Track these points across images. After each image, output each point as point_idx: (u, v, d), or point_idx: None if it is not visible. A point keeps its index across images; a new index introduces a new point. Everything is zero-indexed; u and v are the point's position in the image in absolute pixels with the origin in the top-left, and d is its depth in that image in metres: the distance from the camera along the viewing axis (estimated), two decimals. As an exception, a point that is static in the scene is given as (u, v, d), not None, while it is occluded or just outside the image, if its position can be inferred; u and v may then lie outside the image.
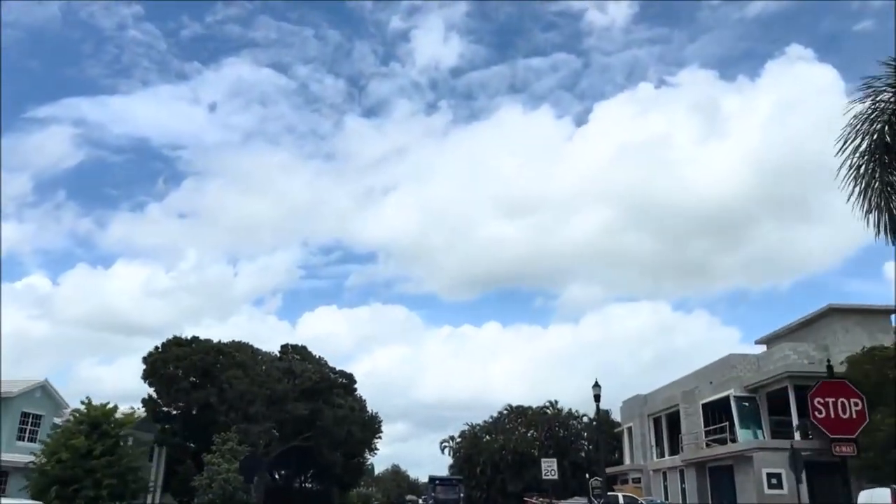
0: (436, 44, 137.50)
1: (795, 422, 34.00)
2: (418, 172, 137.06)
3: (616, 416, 60.24)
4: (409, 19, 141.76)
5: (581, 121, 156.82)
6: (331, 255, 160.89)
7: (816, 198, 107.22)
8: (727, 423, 37.98)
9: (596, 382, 27.29)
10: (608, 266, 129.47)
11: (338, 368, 52.57)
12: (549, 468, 28.37)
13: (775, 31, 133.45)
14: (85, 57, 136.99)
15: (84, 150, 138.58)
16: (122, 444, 29.11)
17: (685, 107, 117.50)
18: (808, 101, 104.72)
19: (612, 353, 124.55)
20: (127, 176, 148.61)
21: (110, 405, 29.98)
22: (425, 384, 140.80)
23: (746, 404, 37.52)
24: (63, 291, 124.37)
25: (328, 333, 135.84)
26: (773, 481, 35.52)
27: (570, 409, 63.67)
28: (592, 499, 29.93)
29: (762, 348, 42.99)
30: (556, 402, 63.50)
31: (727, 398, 38.08)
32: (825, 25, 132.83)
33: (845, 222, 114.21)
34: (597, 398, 27.44)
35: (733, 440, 37.16)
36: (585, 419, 63.13)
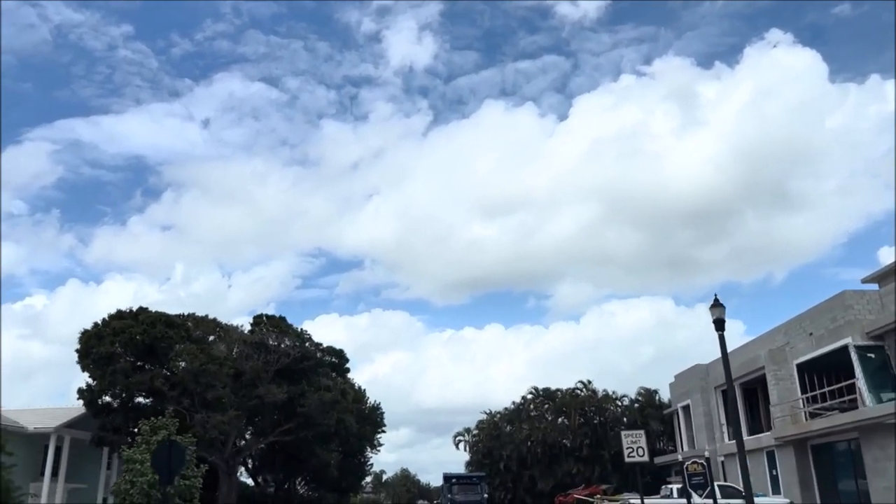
0: (411, 44, 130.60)
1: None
2: (399, 175, 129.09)
3: (665, 395, 50.27)
4: (381, 21, 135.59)
5: (563, 116, 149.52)
6: (316, 262, 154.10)
7: (798, 184, 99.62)
8: (844, 385, 28.10)
9: (716, 300, 17.18)
10: (596, 263, 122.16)
11: (325, 345, 42.30)
12: (635, 444, 17.88)
13: (755, 19, 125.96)
14: (77, 78, 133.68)
15: (80, 169, 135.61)
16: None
17: (662, 96, 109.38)
18: (787, 86, 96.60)
19: (618, 349, 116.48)
20: (123, 194, 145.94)
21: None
22: (429, 389, 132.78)
23: (872, 356, 27.57)
24: (56, 309, 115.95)
25: (329, 342, 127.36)
26: (929, 458, 25.70)
27: (607, 391, 53.56)
28: (690, 490, 19.91)
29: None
30: (590, 381, 53.34)
31: (842, 350, 28.08)
32: (802, 10, 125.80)
33: (829, 208, 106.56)
34: (718, 324, 17.12)
35: (851, 406, 27.43)
36: (626, 400, 53.05)
